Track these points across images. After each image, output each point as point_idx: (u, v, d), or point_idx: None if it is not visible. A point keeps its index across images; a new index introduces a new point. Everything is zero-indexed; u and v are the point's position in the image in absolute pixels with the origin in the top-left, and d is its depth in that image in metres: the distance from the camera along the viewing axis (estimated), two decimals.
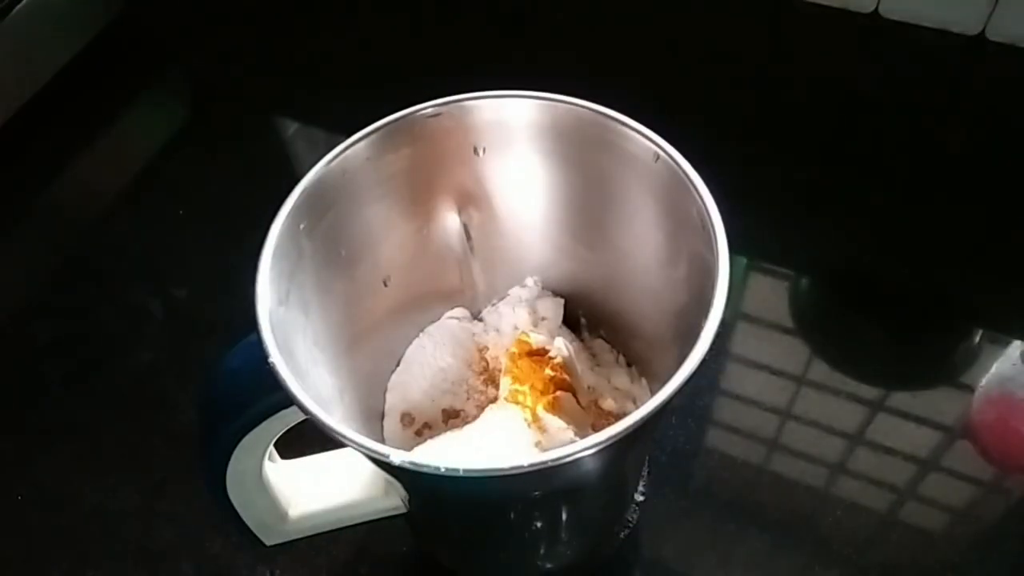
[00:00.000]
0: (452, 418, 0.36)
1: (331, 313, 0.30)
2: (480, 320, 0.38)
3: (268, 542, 0.33)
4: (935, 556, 0.38)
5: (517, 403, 0.31)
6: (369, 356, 0.34)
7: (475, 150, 0.32)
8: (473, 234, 0.35)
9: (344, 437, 0.22)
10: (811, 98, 0.57)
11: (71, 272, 0.53)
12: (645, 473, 0.38)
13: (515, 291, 0.37)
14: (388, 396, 0.36)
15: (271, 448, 0.29)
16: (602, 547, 0.37)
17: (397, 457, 0.22)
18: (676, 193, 0.27)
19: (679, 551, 0.39)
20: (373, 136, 0.30)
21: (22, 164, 0.58)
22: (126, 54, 0.65)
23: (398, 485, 0.31)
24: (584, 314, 0.37)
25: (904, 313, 0.47)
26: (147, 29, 0.68)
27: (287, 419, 0.26)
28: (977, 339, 0.45)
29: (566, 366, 0.32)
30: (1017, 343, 0.44)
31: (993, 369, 0.43)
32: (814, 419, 0.42)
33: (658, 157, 0.28)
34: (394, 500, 0.33)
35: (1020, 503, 0.39)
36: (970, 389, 0.43)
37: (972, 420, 0.42)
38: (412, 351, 0.37)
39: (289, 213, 0.27)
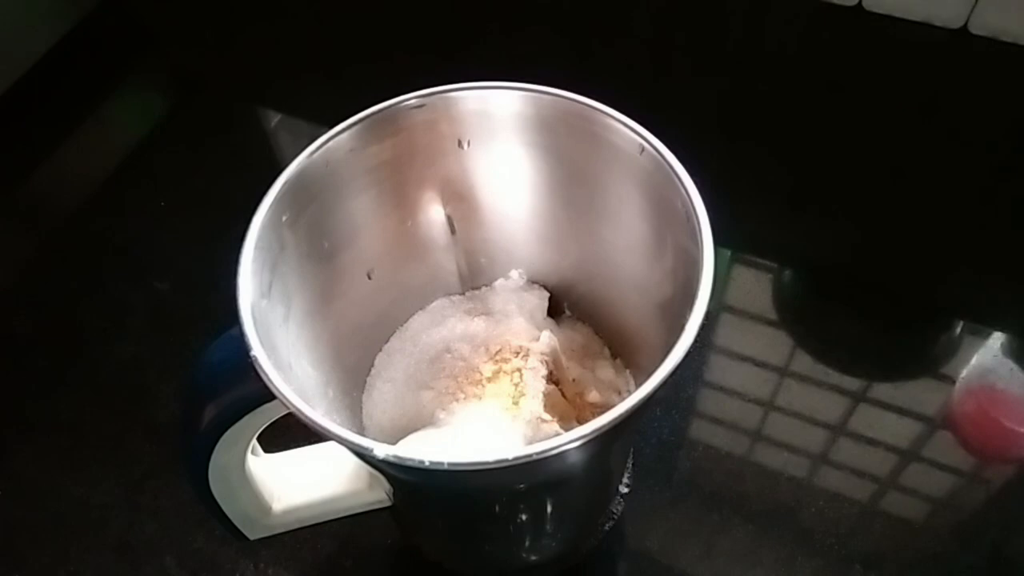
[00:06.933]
0: None
1: (314, 306, 0.30)
2: None
3: (251, 536, 0.32)
4: (916, 545, 0.38)
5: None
6: (353, 349, 0.34)
7: (459, 142, 0.32)
8: (457, 226, 0.35)
9: (327, 431, 0.22)
10: (794, 91, 0.57)
11: (52, 264, 0.53)
12: (630, 465, 0.39)
13: (500, 283, 0.37)
14: None
15: (254, 442, 0.29)
16: (587, 539, 0.37)
17: (381, 451, 0.22)
18: (661, 185, 0.27)
19: (663, 542, 0.39)
20: (356, 127, 0.29)
21: (1, 155, 0.58)
22: (107, 43, 0.64)
23: (382, 478, 0.31)
24: (569, 306, 0.37)
25: (886, 305, 0.47)
26: (128, 18, 0.67)
27: (270, 413, 0.26)
28: (958, 331, 0.46)
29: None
30: (998, 335, 0.45)
31: (974, 361, 0.44)
32: (797, 410, 0.42)
33: (643, 149, 0.28)
34: (378, 493, 0.32)
35: (1000, 493, 0.40)
36: (951, 380, 0.43)
37: (953, 411, 0.42)
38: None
39: (271, 205, 0.27)
